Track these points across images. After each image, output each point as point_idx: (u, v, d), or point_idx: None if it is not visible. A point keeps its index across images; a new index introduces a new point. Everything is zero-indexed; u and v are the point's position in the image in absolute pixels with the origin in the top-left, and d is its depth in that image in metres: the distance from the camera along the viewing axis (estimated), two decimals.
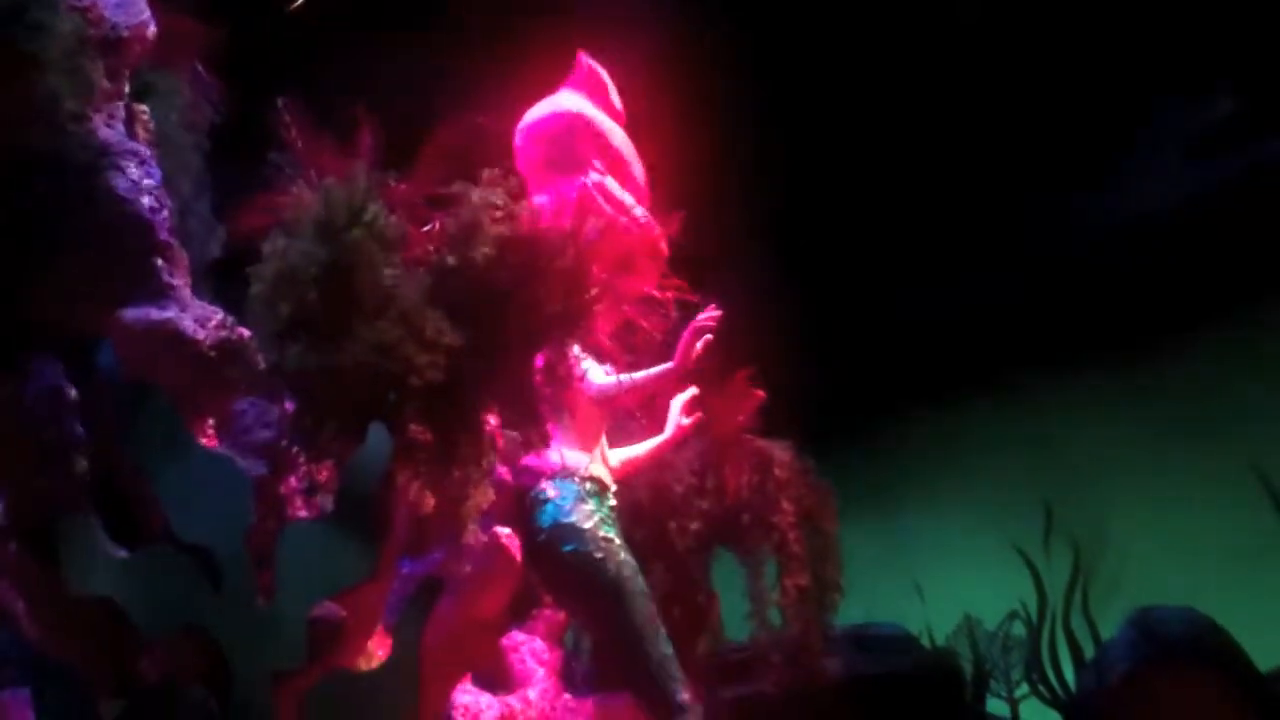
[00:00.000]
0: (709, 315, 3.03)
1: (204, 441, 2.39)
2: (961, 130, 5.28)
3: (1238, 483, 4.96)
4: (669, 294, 3.08)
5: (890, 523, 6.01)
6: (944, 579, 5.61)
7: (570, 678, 3.41)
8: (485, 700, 3.03)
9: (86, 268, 2.28)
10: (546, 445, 2.98)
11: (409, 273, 2.44)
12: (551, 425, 2.97)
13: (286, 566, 2.24)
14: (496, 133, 3.13)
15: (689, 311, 3.07)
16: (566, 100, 3.27)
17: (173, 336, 2.33)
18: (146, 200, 2.34)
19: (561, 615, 3.36)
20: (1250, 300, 5.34)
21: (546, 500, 2.93)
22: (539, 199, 3.01)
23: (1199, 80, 5.27)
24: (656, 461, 3.38)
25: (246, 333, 2.41)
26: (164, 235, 2.38)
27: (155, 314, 2.33)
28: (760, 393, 3.59)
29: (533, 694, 3.16)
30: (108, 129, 2.39)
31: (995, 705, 4.85)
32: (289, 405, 2.41)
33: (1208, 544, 5.12)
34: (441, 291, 2.42)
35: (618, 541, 2.92)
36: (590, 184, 3.12)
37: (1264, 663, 3.81)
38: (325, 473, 2.40)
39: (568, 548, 2.87)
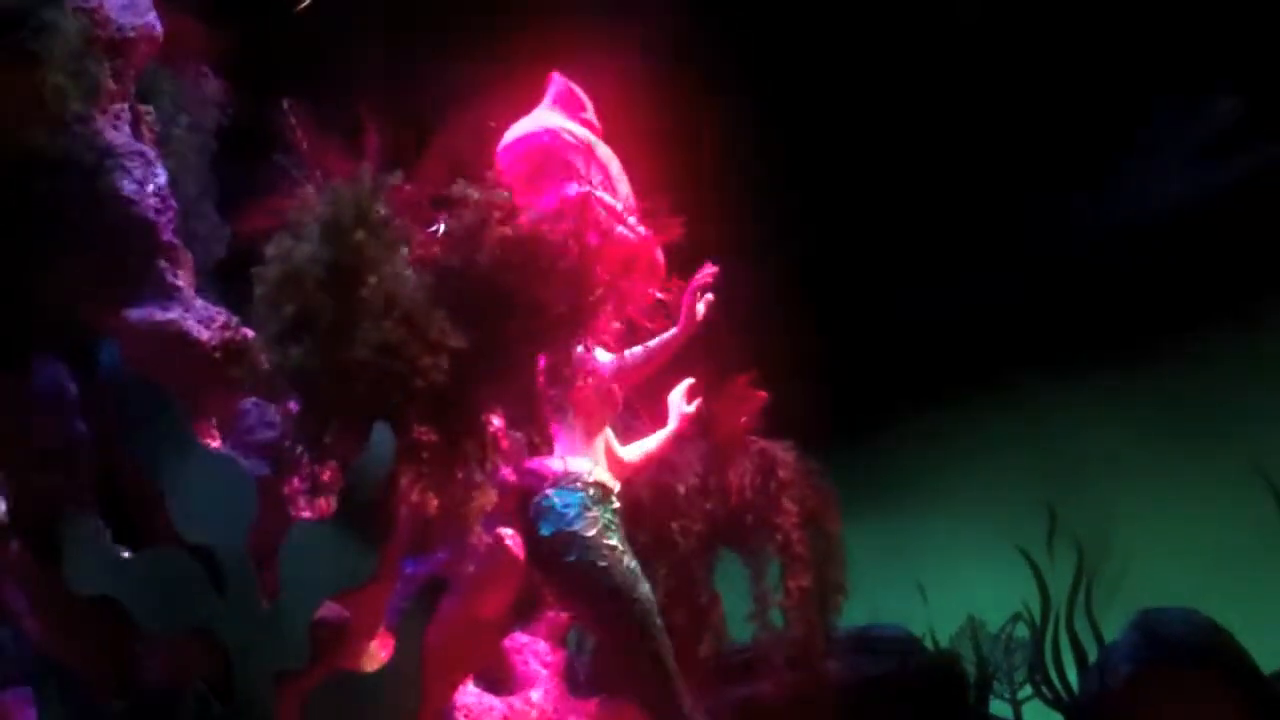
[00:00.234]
0: (706, 273, 3.07)
1: (207, 442, 2.40)
2: (962, 131, 5.29)
3: (1239, 483, 4.97)
4: (670, 296, 3.09)
5: (893, 524, 5.98)
6: (947, 581, 5.61)
7: (573, 679, 3.41)
8: (488, 701, 3.03)
9: (91, 268, 2.29)
10: (550, 446, 2.98)
11: (413, 274, 2.44)
12: (555, 426, 2.98)
13: (289, 567, 2.24)
14: (500, 134, 3.14)
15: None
16: (545, 117, 3.25)
17: (177, 337, 2.34)
18: (151, 201, 2.35)
19: (564, 617, 3.35)
20: (1250, 300, 5.34)
21: (550, 507, 2.92)
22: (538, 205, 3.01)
23: (1199, 81, 5.28)
24: (665, 455, 3.37)
25: (250, 333, 2.41)
26: (168, 236, 2.39)
27: (159, 314, 2.34)
28: (762, 394, 3.60)
29: (535, 695, 3.16)
30: (113, 130, 2.40)
31: (998, 707, 4.84)
32: (292, 406, 2.41)
33: (1210, 545, 5.12)
34: (446, 293, 2.42)
35: (621, 548, 2.92)
36: (584, 192, 3.11)
37: (1267, 664, 3.81)
38: (328, 473, 2.40)
39: (571, 556, 2.87)
